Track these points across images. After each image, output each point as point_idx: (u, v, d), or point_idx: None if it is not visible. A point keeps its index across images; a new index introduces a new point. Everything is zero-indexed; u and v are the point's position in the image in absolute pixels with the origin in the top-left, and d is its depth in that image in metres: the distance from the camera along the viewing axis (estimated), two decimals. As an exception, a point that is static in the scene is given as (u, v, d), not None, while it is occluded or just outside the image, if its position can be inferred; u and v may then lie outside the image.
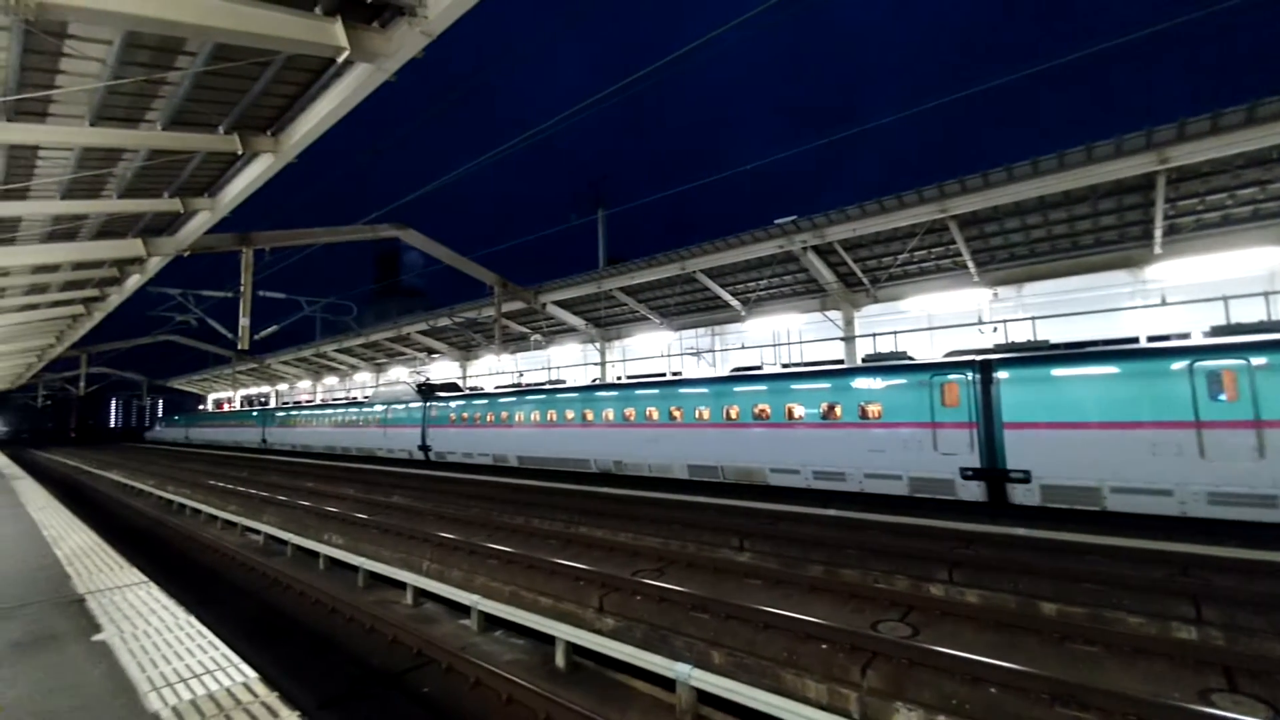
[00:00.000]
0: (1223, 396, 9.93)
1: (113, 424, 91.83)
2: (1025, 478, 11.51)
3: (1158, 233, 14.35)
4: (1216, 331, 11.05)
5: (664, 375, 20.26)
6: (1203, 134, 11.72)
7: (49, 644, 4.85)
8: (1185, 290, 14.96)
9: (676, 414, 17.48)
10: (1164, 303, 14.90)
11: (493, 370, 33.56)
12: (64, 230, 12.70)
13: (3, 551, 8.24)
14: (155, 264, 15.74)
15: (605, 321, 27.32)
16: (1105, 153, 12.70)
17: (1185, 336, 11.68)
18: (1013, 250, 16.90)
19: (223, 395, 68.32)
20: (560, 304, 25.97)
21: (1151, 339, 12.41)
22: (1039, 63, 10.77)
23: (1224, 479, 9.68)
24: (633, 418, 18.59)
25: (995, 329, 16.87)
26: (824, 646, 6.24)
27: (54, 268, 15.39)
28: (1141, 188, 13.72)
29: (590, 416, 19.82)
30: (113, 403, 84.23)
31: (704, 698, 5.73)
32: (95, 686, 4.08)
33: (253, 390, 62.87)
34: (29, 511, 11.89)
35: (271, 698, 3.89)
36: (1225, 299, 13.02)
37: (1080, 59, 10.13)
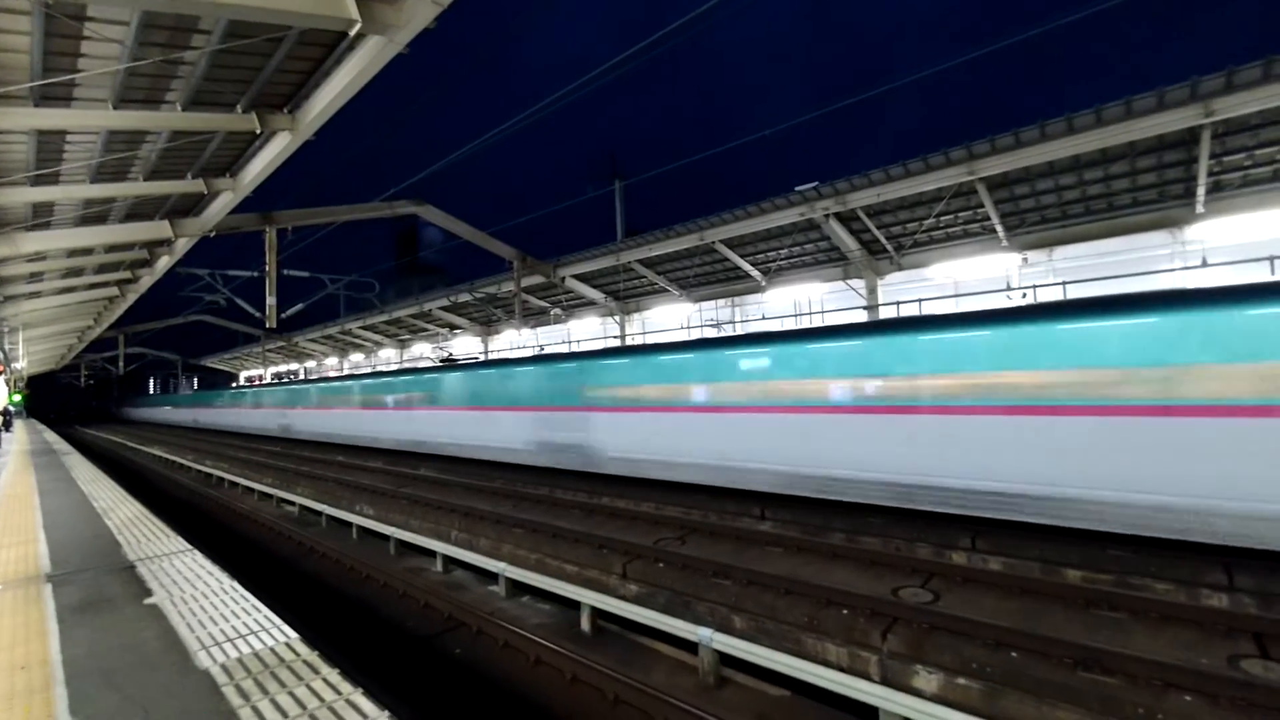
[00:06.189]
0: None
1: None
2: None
3: (1201, 190, 13.65)
4: None
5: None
6: (1254, 83, 11.00)
7: (105, 607, 5.14)
8: (1229, 251, 14.29)
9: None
10: (1205, 264, 14.26)
11: (513, 345, 33.83)
12: (95, 214, 13.03)
13: (60, 522, 8.70)
14: (183, 245, 16.11)
15: (624, 294, 27.23)
16: (1146, 106, 12.04)
17: None
18: (1044, 213, 16.29)
19: (253, 373, 70.24)
20: (579, 277, 25.92)
21: None
22: (1078, 10, 10.13)
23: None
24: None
25: (1024, 295, 16.38)
26: (845, 611, 6.30)
27: (87, 251, 15.85)
28: (1184, 143, 13.03)
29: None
30: (151, 381, 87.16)
31: (726, 660, 5.88)
32: (149, 646, 4.32)
33: (282, 368, 64.48)
34: (80, 485, 12.50)
35: (312, 656, 4.09)
36: (1273, 259, 12.41)
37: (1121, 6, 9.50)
